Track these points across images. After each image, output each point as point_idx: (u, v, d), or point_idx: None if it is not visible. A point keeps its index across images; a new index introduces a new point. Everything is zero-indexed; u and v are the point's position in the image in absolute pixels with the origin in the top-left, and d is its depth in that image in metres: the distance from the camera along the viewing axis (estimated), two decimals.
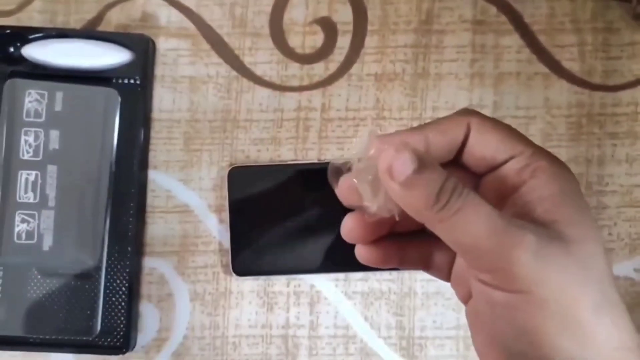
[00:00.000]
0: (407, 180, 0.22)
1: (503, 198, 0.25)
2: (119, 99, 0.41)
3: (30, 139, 0.40)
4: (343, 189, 0.26)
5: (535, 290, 0.21)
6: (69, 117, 0.40)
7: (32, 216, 0.40)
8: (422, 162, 0.22)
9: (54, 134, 0.40)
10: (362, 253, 0.28)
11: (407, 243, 0.28)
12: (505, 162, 0.24)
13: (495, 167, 0.25)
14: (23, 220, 0.40)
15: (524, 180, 0.24)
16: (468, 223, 0.22)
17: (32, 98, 0.40)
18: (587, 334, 0.22)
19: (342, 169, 0.26)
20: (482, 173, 0.26)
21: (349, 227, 0.27)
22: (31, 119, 0.40)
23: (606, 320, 0.22)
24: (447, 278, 0.29)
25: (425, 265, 0.29)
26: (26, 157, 0.40)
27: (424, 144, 0.24)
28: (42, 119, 0.40)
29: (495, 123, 0.25)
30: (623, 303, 0.23)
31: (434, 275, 0.30)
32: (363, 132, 0.37)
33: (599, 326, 0.22)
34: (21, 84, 0.40)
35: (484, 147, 0.25)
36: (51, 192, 0.40)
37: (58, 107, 0.40)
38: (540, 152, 0.24)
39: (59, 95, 0.40)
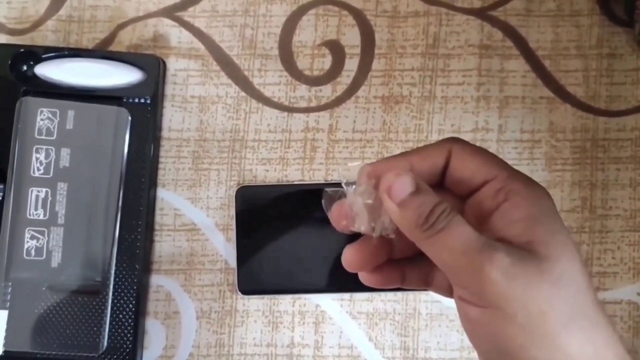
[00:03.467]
0: (404, 201, 0.24)
1: (483, 220, 0.26)
2: (129, 118, 0.42)
3: (42, 156, 0.40)
4: (335, 214, 0.28)
5: (505, 305, 0.23)
6: (80, 135, 0.41)
7: (42, 233, 0.40)
8: (418, 187, 0.25)
9: (65, 152, 0.41)
10: (365, 277, 0.30)
11: (407, 265, 0.30)
12: (482, 185, 0.26)
13: (474, 191, 0.26)
14: (33, 237, 0.40)
15: (499, 203, 0.25)
16: (448, 242, 0.24)
17: (44, 116, 0.41)
18: (556, 348, 0.23)
19: (334, 196, 0.28)
20: (465, 196, 0.27)
21: (349, 258, 0.29)
22: (43, 137, 0.41)
23: (578, 335, 0.23)
24: (450, 294, 0.30)
25: (427, 283, 0.30)
26: (37, 174, 0.40)
27: (409, 168, 0.27)
28: (54, 137, 0.41)
29: (474, 149, 0.27)
30: (607, 321, 0.24)
31: (437, 292, 0.30)
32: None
33: (570, 340, 0.23)
34: (33, 102, 0.41)
35: (463, 171, 0.26)
36: (61, 210, 0.40)
37: (69, 125, 0.41)
38: (515, 175, 0.26)
39: (71, 114, 0.41)
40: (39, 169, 0.40)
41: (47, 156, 0.40)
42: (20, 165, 0.40)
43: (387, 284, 0.29)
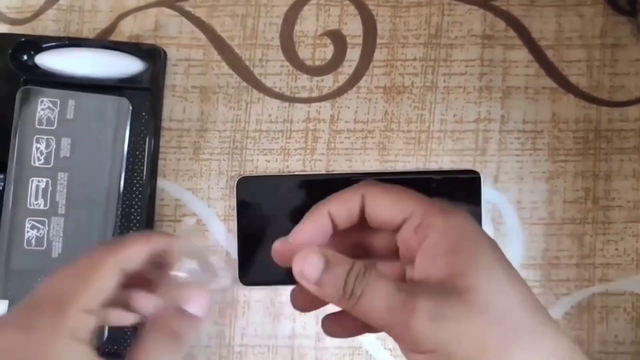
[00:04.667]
0: (319, 281, 0.25)
1: (412, 257, 0.26)
2: (130, 108, 0.41)
3: (42, 146, 0.40)
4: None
5: (441, 348, 0.23)
6: (80, 125, 0.41)
7: (42, 223, 0.40)
8: (327, 260, 0.25)
9: (65, 142, 0.41)
10: (330, 332, 0.30)
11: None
12: (402, 224, 0.26)
13: (397, 229, 0.26)
14: (33, 227, 0.40)
15: (420, 240, 0.25)
16: (370, 304, 0.24)
17: (45, 106, 0.40)
18: None
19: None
20: (394, 233, 0.27)
21: (296, 303, 0.29)
22: (43, 127, 0.40)
23: (522, 354, 0.23)
24: None
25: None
26: (37, 164, 0.40)
27: (327, 215, 0.27)
28: (54, 127, 0.41)
29: (387, 189, 0.27)
30: (554, 329, 0.23)
31: None
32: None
33: None
34: (34, 92, 0.41)
35: (379, 213, 0.27)
36: (61, 199, 0.40)
37: (70, 115, 0.41)
38: (431, 209, 0.26)
39: (71, 104, 0.41)
40: (39, 159, 0.40)
41: (47, 146, 0.40)
42: (21, 156, 0.40)
43: (353, 333, 0.29)
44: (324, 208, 0.27)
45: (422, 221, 0.25)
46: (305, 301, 0.29)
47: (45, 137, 0.41)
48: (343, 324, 0.29)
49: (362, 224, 0.28)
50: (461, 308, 0.23)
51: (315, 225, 0.27)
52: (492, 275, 0.24)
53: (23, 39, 0.42)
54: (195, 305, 0.29)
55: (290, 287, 0.41)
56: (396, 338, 0.24)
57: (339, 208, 0.27)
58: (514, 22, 0.43)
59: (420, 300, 0.23)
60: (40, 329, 0.26)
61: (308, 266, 0.25)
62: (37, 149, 0.40)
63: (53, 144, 0.40)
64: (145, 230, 0.41)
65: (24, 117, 0.41)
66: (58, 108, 0.41)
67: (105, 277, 0.27)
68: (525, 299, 0.24)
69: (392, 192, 0.27)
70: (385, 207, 0.26)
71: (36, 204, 0.40)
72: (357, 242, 0.29)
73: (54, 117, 0.41)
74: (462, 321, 0.23)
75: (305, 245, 0.26)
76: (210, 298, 0.30)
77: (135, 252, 0.28)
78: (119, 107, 0.41)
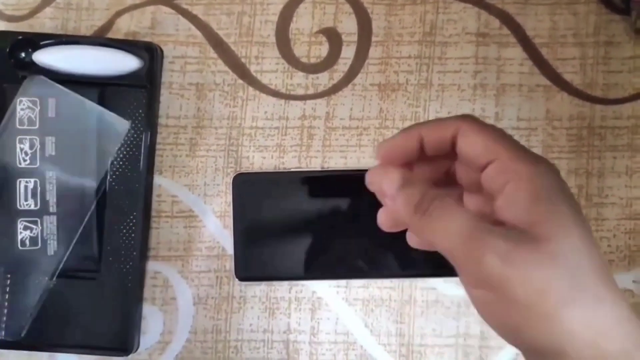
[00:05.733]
0: (394, 195, 0.26)
1: (491, 199, 0.26)
2: (127, 129, 0.41)
3: (26, 146, 0.40)
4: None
5: (503, 287, 0.24)
6: (63, 122, 0.40)
7: (35, 222, 0.40)
8: (405, 180, 0.26)
9: (50, 141, 0.40)
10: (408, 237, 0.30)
11: None
12: (487, 165, 0.26)
13: (482, 169, 0.27)
14: (26, 227, 0.40)
15: (502, 184, 0.25)
16: (443, 226, 0.25)
17: (24, 106, 0.40)
18: (556, 326, 0.23)
19: None
20: (480, 171, 0.27)
21: (381, 220, 0.30)
22: (25, 127, 0.40)
23: (580, 312, 0.23)
24: None
25: None
26: (23, 165, 0.40)
27: (417, 137, 0.28)
28: (36, 126, 0.40)
29: (481, 128, 0.27)
30: (617, 297, 0.24)
31: None
32: None
33: (570, 318, 0.23)
34: (11, 92, 0.40)
35: (469, 149, 0.27)
36: (52, 198, 0.40)
37: (51, 113, 0.40)
38: (518, 155, 0.26)
39: (52, 102, 0.40)
40: (24, 160, 0.40)
41: (31, 146, 0.40)
42: (5, 157, 0.40)
43: (420, 244, 0.30)
44: (416, 130, 0.28)
45: (507, 166, 0.25)
46: (387, 220, 0.29)
47: (28, 137, 0.40)
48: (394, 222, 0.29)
49: (452, 154, 0.28)
50: (533, 255, 0.23)
51: (404, 143, 0.28)
52: (569, 231, 0.24)
53: (21, 37, 0.42)
54: None
55: (286, 284, 0.42)
56: (458, 266, 0.25)
57: (431, 134, 0.28)
58: (508, 20, 0.43)
59: (495, 238, 0.24)
60: None
61: (387, 180, 0.26)
62: (21, 149, 0.40)
63: (37, 144, 0.40)
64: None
65: (6, 117, 0.40)
66: (38, 107, 0.40)
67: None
68: (595, 262, 0.24)
69: (485, 132, 0.27)
70: (475, 145, 0.26)
71: (26, 205, 0.40)
72: (441, 171, 0.29)
73: (35, 117, 0.40)
74: (531, 267, 0.23)
75: (390, 159, 0.28)
76: None
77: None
78: (101, 100, 0.41)
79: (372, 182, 0.27)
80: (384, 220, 0.29)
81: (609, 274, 0.24)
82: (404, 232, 0.30)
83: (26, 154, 0.40)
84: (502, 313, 0.24)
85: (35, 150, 0.40)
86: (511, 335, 0.25)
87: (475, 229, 0.24)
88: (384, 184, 0.26)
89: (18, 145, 0.40)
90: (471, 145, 0.27)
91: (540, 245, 0.24)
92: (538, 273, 0.23)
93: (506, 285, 0.23)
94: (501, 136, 0.27)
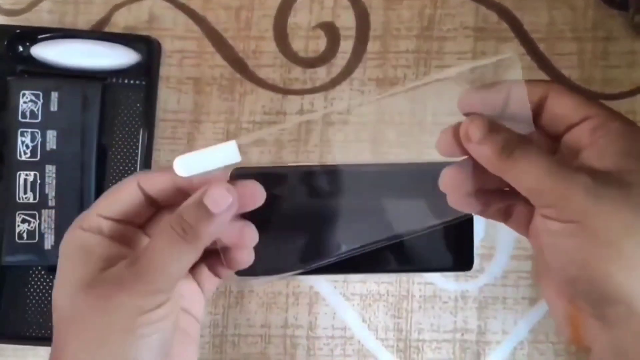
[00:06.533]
0: (480, 139, 0.27)
1: (576, 154, 0.27)
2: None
3: (27, 139, 0.40)
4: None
5: (587, 220, 0.24)
6: (65, 116, 0.40)
7: (33, 216, 0.40)
8: (490, 127, 0.27)
9: (51, 134, 0.40)
10: (455, 199, 0.31)
11: (493, 195, 0.31)
12: (580, 122, 0.27)
13: (570, 127, 0.28)
14: (24, 221, 0.40)
15: (596, 138, 0.26)
16: (530, 168, 0.26)
17: (27, 99, 0.40)
18: (631, 265, 0.24)
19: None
20: (561, 133, 0.28)
21: (447, 178, 0.30)
22: (27, 120, 0.40)
23: None
24: (525, 230, 0.31)
25: (505, 217, 0.32)
26: (24, 158, 0.40)
27: (504, 96, 0.28)
28: (39, 120, 0.40)
29: (571, 91, 0.28)
30: None
31: (513, 227, 0.31)
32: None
33: None
34: (15, 85, 0.40)
35: (561, 108, 0.28)
36: (51, 192, 0.40)
37: (54, 107, 0.40)
38: (613, 114, 0.27)
39: (54, 96, 0.40)
40: (25, 153, 0.40)
41: (32, 139, 0.40)
42: (7, 149, 0.40)
43: (470, 207, 0.31)
44: (502, 89, 0.29)
45: (602, 123, 0.26)
46: (456, 179, 0.30)
47: (29, 130, 0.40)
48: (464, 179, 0.30)
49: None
50: (620, 193, 0.24)
51: (487, 97, 0.29)
52: None
53: (18, 30, 0.42)
54: (210, 196, 0.27)
55: (284, 279, 0.41)
56: (543, 204, 0.26)
57: (519, 91, 0.29)
58: (506, 15, 0.43)
59: (582, 175, 0.25)
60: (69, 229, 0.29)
61: (473, 126, 0.27)
62: (23, 142, 0.40)
63: (38, 137, 0.40)
64: None
65: (8, 110, 0.40)
66: (41, 100, 0.40)
67: (123, 191, 0.28)
68: None
69: (575, 94, 0.28)
70: (569, 104, 0.28)
71: (25, 198, 0.40)
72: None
73: (37, 110, 0.40)
74: (617, 203, 0.24)
75: (472, 111, 0.28)
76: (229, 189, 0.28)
77: (158, 176, 0.28)
78: (97, 93, 0.41)
79: (461, 129, 0.28)
80: (454, 178, 0.30)
81: None
82: None
83: (27, 147, 0.40)
84: (577, 249, 0.25)
85: (37, 143, 0.40)
86: (577, 277, 0.25)
87: (562, 168, 0.25)
88: (471, 130, 0.27)
89: (19, 138, 0.40)
90: (563, 105, 0.28)
91: (627, 186, 0.25)
92: (623, 209, 0.24)
93: (589, 218, 0.24)
94: (591, 99, 0.28)
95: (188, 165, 0.28)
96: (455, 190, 0.30)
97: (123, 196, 0.28)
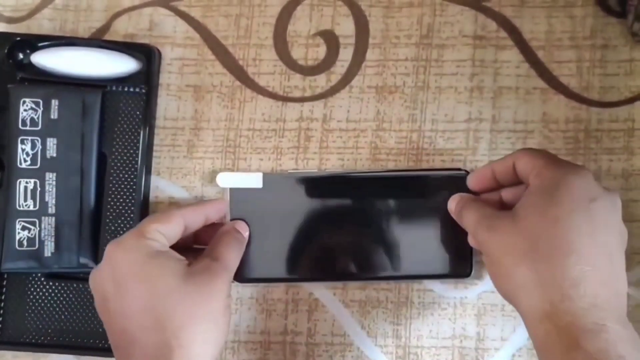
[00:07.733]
0: (456, 215, 0.39)
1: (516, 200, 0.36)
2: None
3: (27, 147, 0.40)
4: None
5: (485, 249, 0.35)
6: (65, 124, 0.40)
7: (33, 223, 0.40)
8: (459, 199, 0.40)
9: (51, 142, 0.40)
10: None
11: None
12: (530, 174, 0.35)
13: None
14: (24, 228, 0.40)
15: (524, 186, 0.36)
16: (467, 220, 0.38)
17: (27, 107, 0.40)
18: (510, 277, 0.33)
19: None
20: (528, 183, 0.36)
21: (473, 181, 0.40)
22: (27, 128, 0.40)
23: (531, 265, 0.31)
24: None
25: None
26: (24, 165, 0.40)
27: (491, 171, 0.38)
28: (39, 127, 0.40)
29: (536, 153, 0.36)
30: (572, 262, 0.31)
31: None
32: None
33: (520, 271, 0.32)
34: (15, 93, 0.40)
35: (522, 170, 0.36)
36: (51, 200, 0.40)
37: (54, 115, 0.40)
38: (553, 164, 0.34)
39: (55, 103, 0.40)
40: (25, 160, 0.40)
41: (33, 147, 0.40)
42: (7, 157, 0.40)
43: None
44: (489, 167, 0.38)
45: (536, 174, 0.34)
46: (481, 183, 0.40)
47: (30, 138, 0.40)
48: (488, 181, 0.39)
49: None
50: (507, 223, 0.33)
51: (481, 177, 0.39)
52: (543, 211, 0.32)
53: (19, 38, 0.42)
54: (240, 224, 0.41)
55: (283, 286, 0.42)
56: (475, 240, 0.37)
57: (500, 167, 0.38)
58: (505, 23, 0.43)
59: (488, 217, 0.35)
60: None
61: (451, 200, 0.40)
62: (23, 150, 0.40)
63: (39, 145, 0.40)
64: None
65: (8, 118, 0.40)
66: (41, 108, 0.40)
67: (173, 220, 0.37)
68: (550, 227, 0.32)
69: (538, 154, 0.35)
70: (528, 164, 0.35)
71: (25, 205, 0.40)
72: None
73: (38, 118, 0.40)
74: (503, 234, 0.33)
75: (477, 185, 0.40)
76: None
77: (197, 212, 0.39)
78: (104, 101, 0.41)
79: (449, 205, 0.40)
80: (480, 181, 0.40)
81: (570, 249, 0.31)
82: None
83: (27, 154, 0.40)
84: (490, 271, 0.35)
85: (37, 151, 0.40)
86: (499, 292, 0.35)
87: (482, 216, 0.36)
88: (452, 206, 0.40)
89: (20, 146, 0.40)
90: (525, 165, 0.35)
91: (517, 220, 0.33)
92: (512, 239, 0.33)
93: (488, 247, 0.34)
94: (547, 155, 0.35)
95: (226, 179, 0.41)
96: (481, 190, 0.40)
97: (173, 222, 0.36)
